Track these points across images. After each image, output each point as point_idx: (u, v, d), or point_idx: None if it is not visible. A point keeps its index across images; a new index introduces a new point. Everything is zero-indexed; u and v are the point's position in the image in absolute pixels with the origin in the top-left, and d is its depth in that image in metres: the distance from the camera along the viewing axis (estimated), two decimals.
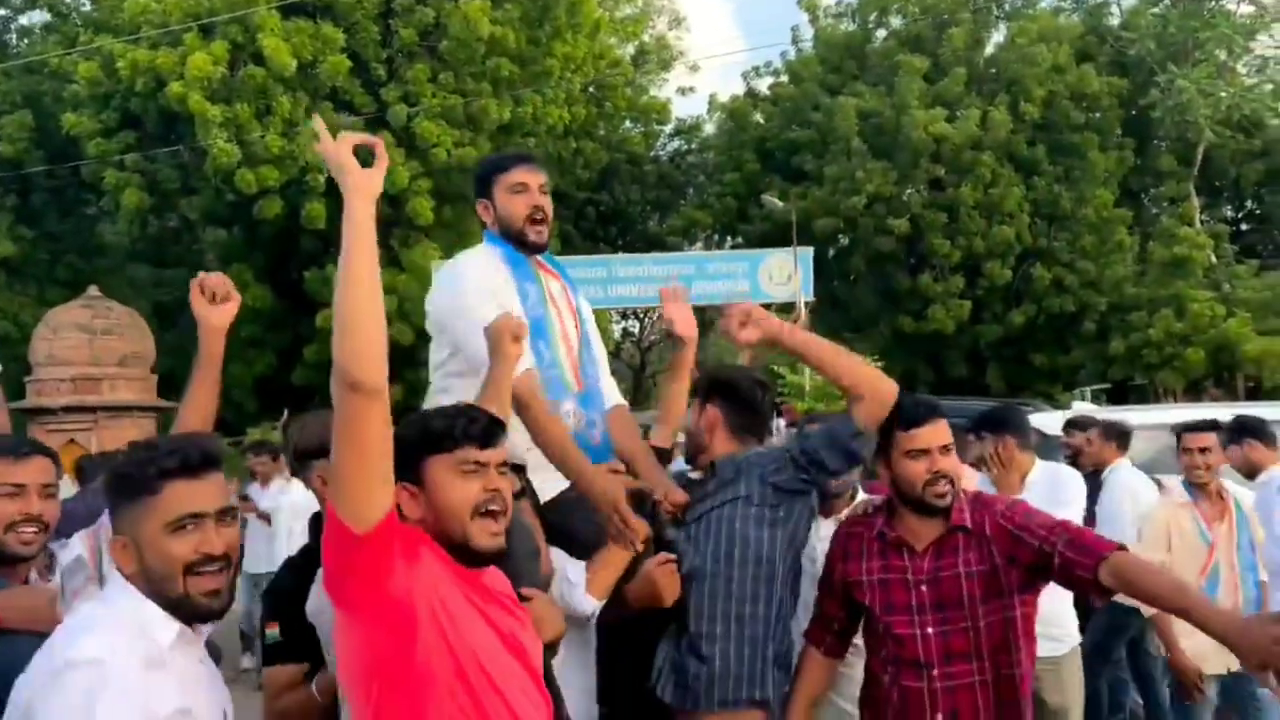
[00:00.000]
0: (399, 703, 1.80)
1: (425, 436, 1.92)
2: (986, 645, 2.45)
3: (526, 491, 2.69)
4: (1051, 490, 3.52)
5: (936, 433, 2.51)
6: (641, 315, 29.78)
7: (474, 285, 2.78)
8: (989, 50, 23.16)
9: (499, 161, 2.98)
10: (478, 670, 1.83)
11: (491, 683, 1.84)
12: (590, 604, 2.68)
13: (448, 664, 1.81)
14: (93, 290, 17.25)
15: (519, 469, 2.71)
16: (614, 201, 26.72)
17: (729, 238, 26.53)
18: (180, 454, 1.77)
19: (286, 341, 19.56)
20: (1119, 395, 20.81)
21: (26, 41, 21.81)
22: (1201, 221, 22.50)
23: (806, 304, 17.43)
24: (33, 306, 18.65)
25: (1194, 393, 20.27)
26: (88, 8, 19.90)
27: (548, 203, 2.90)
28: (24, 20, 22.31)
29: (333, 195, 17.72)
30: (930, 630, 2.49)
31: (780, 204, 19.38)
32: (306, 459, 2.55)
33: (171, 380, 20.37)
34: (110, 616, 1.73)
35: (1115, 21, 23.72)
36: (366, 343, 1.76)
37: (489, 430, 1.96)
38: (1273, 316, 19.59)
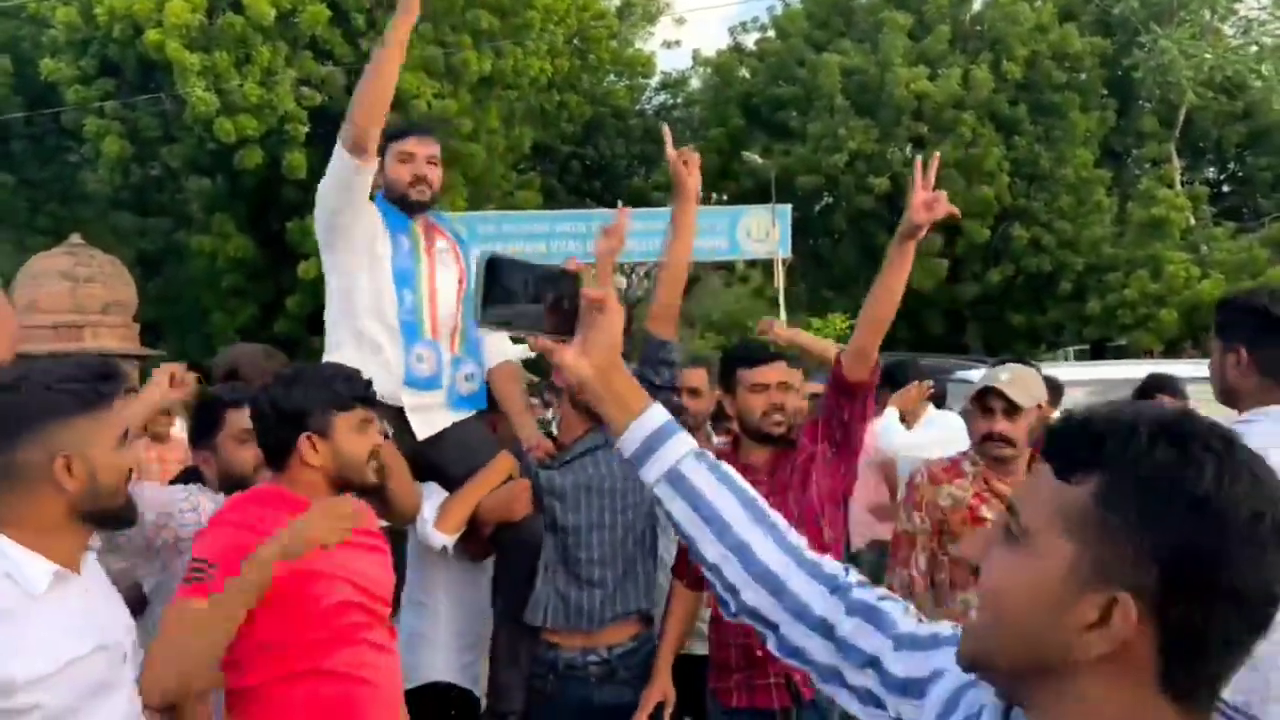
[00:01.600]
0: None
1: (334, 395, 2.24)
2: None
3: (388, 435, 2.89)
4: (940, 430, 3.86)
5: (774, 371, 2.89)
6: (628, 271, 29.86)
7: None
8: (974, 8, 23.07)
9: (394, 130, 3.17)
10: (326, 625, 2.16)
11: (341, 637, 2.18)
12: (439, 538, 3.00)
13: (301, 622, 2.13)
14: (75, 238, 17.30)
15: (397, 410, 3.04)
16: (599, 156, 26.67)
17: (713, 194, 26.55)
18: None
19: (269, 293, 19.62)
20: (1099, 355, 21.06)
21: None
22: (1183, 183, 22.62)
23: (784, 260, 17.56)
24: (13, 254, 18.65)
25: (1172, 353, 20.51)
26: None
27: (434, 172, 3.15)
28: None
29: (313, 145, 17.72)
30: None
31: (760, 161, 19.43)
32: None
33: (155, 328, 20.55)
34: None
35: None
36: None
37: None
38: (1247, 278, 19.78)
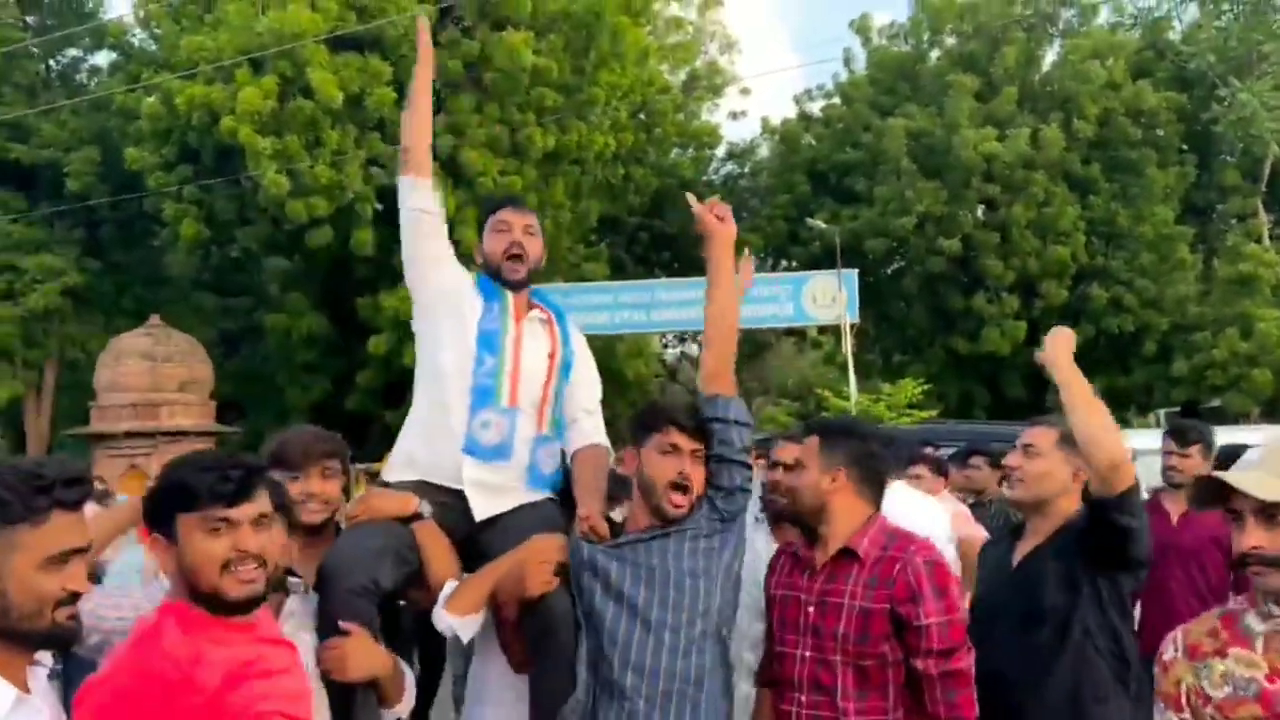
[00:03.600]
0: None
1: (178, 492, 1.86)
2: (854, 685, 2.40)
3: (424, 515, 2.69)
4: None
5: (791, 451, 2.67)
6: (696, 338, 29.78)
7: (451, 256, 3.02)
8: (1043, 69, 22.78)
9: (493, 202, 3.15)
10: None
11: None
12: (445, 620, 2.56)
13: None
14: (154, 319, 17.86)
15: (457, 492, 2.77)
16: (666, 226, 26.78)
17: (781, 260, 26.42)
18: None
19: (341, 368, 19.95)
20: (1190, 418, 20.15)
21: (95, 80, 22.70)
22: (1271, 238, 21.80)
23: (851, 326, 17.24)
24: (100, 335, 19.33)
25: (1272, 415, 19.58)
26: (152, 47, 20.63)
27: (532, 243, 2.99)
28: (93, 60, 23.24)
29: (380, 223, 18.08)
30: (807, 654, 2.46)
31: (824, 226, 19.24)
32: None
33: (232, 405, 21.00)
34: None
35: (1174, 36, 23.14)
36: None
37: (241, 486, 1.87)
38: None
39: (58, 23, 21.96)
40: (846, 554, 2.51)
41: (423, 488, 2.78)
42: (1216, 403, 19.99)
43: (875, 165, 22.15)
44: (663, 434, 2.54)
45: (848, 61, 25.07)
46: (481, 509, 2.79)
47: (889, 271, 23.46)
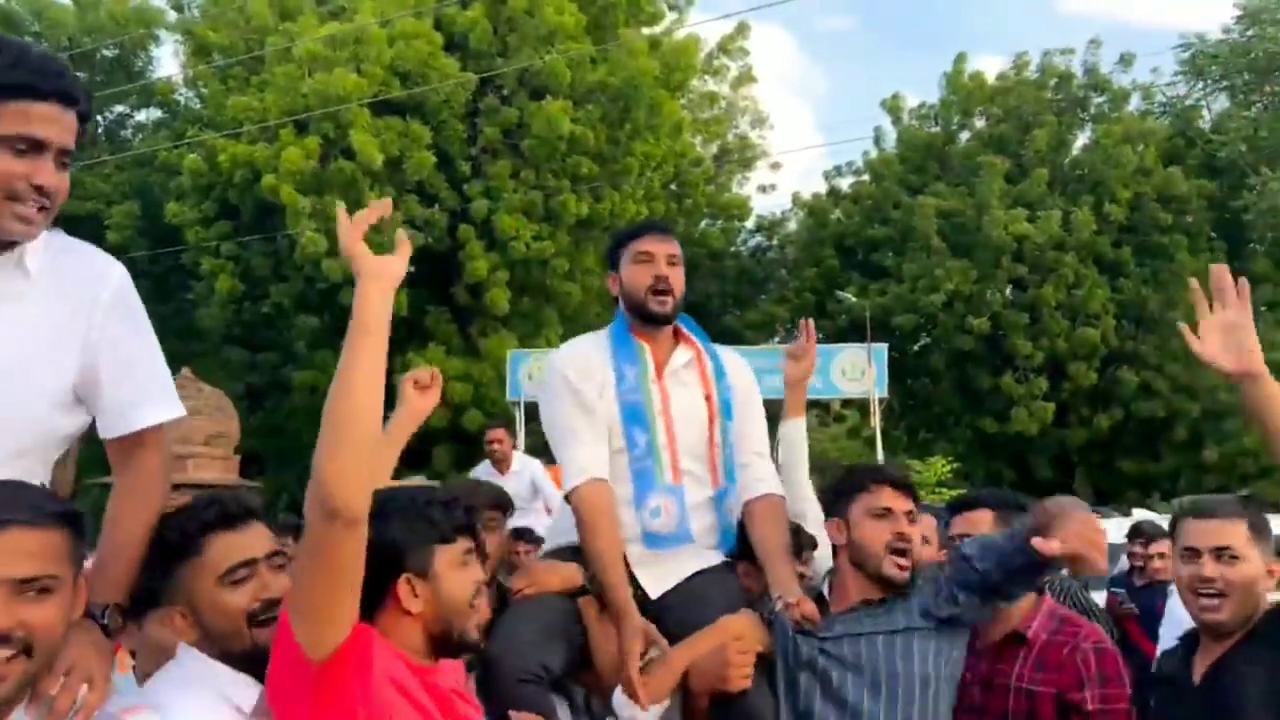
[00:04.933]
0: None
1: (434, 526, 1.81)
2: None
3: (589, 588, 2.52)
4: None
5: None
6: None
7: (558, 385, 2.69)
8: (1073, 152, 22.97)
9: (629, 231, 2.87)
10: None
11: None
12: (628, 710, 2.35)
13: None
14: (185, 372, 18.01)
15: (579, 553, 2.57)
16: (694, 296, 26.94)
17: None
18: (218, 507, 1.79)
19: None
20: None
21: (140, 137, 23.24)
22: None
23: (880, 400, 17.18)
24: None
25: None
26: (197, 106, 21.14)
27: (676, 274, 2.70)
28: (139, 117, 23.82)
29: (414, 285, 18.25)
30: None
31: (853, 299, 19.29)
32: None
33: (257, 459, 21.03)
34: (185, 684, 1.71)
35: (1205, 125, 23.32)
36: (354, 461, 1.58)
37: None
38: None
39: (107, 80, 22.57)
40: (1015, 637, 2.46)
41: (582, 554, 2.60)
42: (1246, 492, 19.70)
43: (904, 242, 22.27)
44: (872, 495, 2.38)
45: (878, 140, 25.36)
46: (654, 587, 2.58)
47: (916, 348, 23.41)
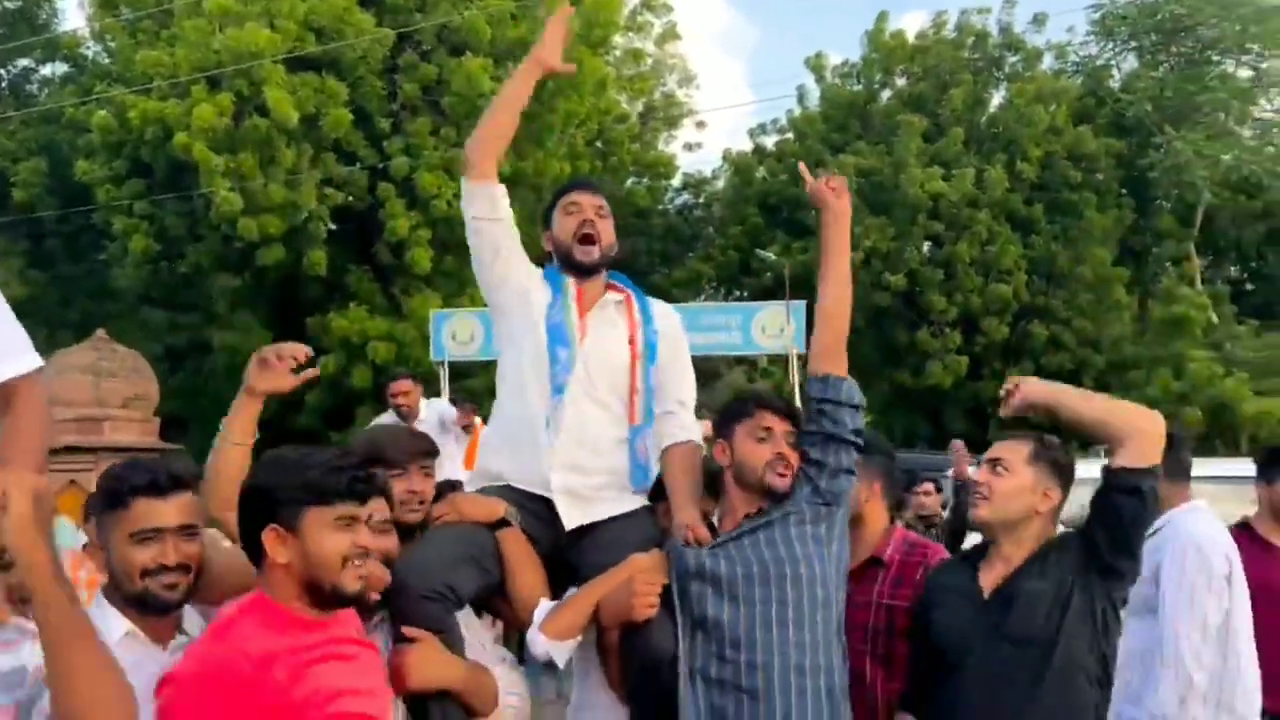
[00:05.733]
0: None
1: (313, 486, 1.91)
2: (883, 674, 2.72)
3: (511, 522, 2.57)
4: None
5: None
6: None
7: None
8: (989, 111, 23.43)
9: (560, 188, 3.03)
10: None
11: None
12: (541, 644, 2.42)
13: None
14: (100, 333, 17.62)
15: (542, 500, 2.65)
16: (620, 253, 26.96)
17: (733, 290, 26.75)
18: (150, 475, 2.03)
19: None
20: None
21: (46, 92, 22.48)
22: (1204, 281, 22.53)
23: (799, 356, 17.51)
24: (44, 349, 18.92)
25: (1205, 451, 20.19)
26: (105, 61, 20.49)
27: (604, 226, 2.83)
28: (45, 71, 23.02)
29: (334, 243, 18.07)
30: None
31: (773, 258, 19.58)
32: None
33: (177, 422, 20.72)
34: None
35: (1115, 84, 23.94)
36: None
37: (371, 484, 2.04)
38: (1273, 376, 19.53)
39: (9, 33, 21.74)
40: (874, 561, 2.75)
41: (508, 493, 2.67)
42: None
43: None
44: (754, 419, 2.53)
45: (802, 98, 25.57)
46: (572, 518, 2.65)
47: None
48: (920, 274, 21.48)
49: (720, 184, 28.53)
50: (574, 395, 2.69)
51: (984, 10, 23.60)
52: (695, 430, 2.82)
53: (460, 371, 17.75)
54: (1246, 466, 5.62)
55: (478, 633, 2.53)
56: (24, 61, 22.80)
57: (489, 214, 2.86)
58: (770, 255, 20.92)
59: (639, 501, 2.76)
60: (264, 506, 1.91)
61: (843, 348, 2.59)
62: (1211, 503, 6.00)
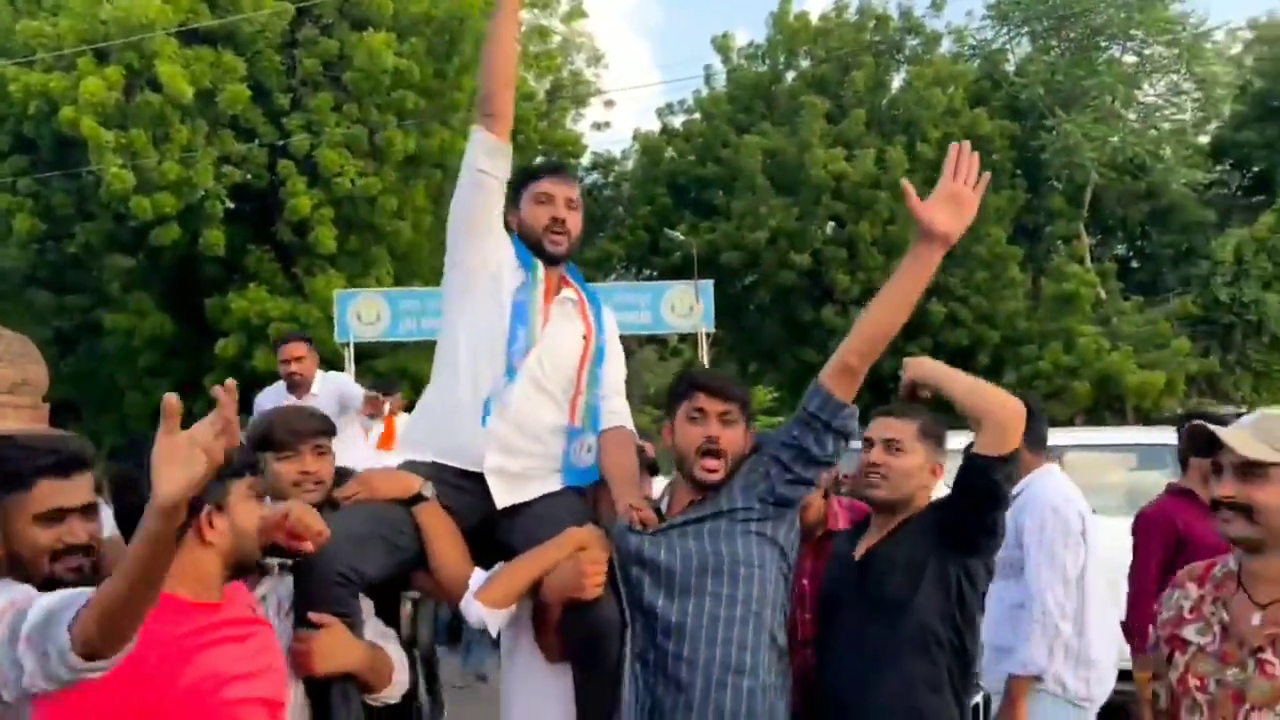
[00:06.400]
0: None
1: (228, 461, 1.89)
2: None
3: (427, 496, 2.56)
4: None
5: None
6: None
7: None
8: (891, 93, 23.94)
9: (531, 170, 2.93)
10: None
11: None
12: (476, 611, 2.43)
13: None
14: None
15: (471, 476, 2.64)
16: None
17: (642, 269, 26.87)
18: (54, 455, 1.99)
19: (187, 371, 19.24)
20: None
21: None
22: (1093, 259, 23.45)
23: (707, 335, 17.73)
24: None
25: (1095, 422, 21.06)
26: None
27: (574, 218, 2.83)
28: None
29: (230, 222, 17.58)
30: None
31: (681, 238, 19.74)
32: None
33: (69, 407, 19.99)
34: None
35: (1010, 68, 24.68)
36: None
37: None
38: (1154, 349, 20.48)
39: None
40: (827, 535, 2.90)
41: (436, 469, 2.66)
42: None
43: (733, 180, 22.83)
44: (689, 400, 2.53)
45: (709, 79, 25.75)
46: (503, 497, 2.66)
47: (744, 284, 24.17)
48: (824, 253, 21.90)
49: (630, 164, 28.57)
50: (523, 379, 2.69)
51: None
52: (627, 417, 2.87)
53: (365, 353, 17.50)
54: (1130, 434, 5.98)
55: (366, 609, 2.52)
56: None
57: (500, 173, 2.77)
58: (679, 235, 21.13)
59: (562, 482, 2.78)
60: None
61: (861, 373, 2.50)
62: (1099, 469, 6.34)
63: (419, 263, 20.28)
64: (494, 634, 2.47)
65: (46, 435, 2.23)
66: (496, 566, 2.53)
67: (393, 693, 2.45)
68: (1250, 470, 1.93)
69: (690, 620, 2.38)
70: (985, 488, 2.47)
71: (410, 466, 2.68)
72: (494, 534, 2.65)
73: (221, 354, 17.49)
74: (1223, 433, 1.99)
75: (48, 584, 1.95)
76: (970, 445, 2.53)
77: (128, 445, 2.20)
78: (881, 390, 23.24)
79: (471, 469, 2.66)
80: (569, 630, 2.46)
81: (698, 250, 20.66)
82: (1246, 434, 1.97)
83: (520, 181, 2.88)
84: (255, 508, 2.00)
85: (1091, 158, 21.63)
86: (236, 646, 1.93)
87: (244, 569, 2.01)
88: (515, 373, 2.67)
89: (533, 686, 2.60)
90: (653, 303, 18.51)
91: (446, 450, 2.70)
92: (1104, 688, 3.74)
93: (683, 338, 23.69)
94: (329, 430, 2.67)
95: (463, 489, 2.65)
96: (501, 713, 2.68)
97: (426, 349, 18.64)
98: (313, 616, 2.27)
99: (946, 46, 24.85)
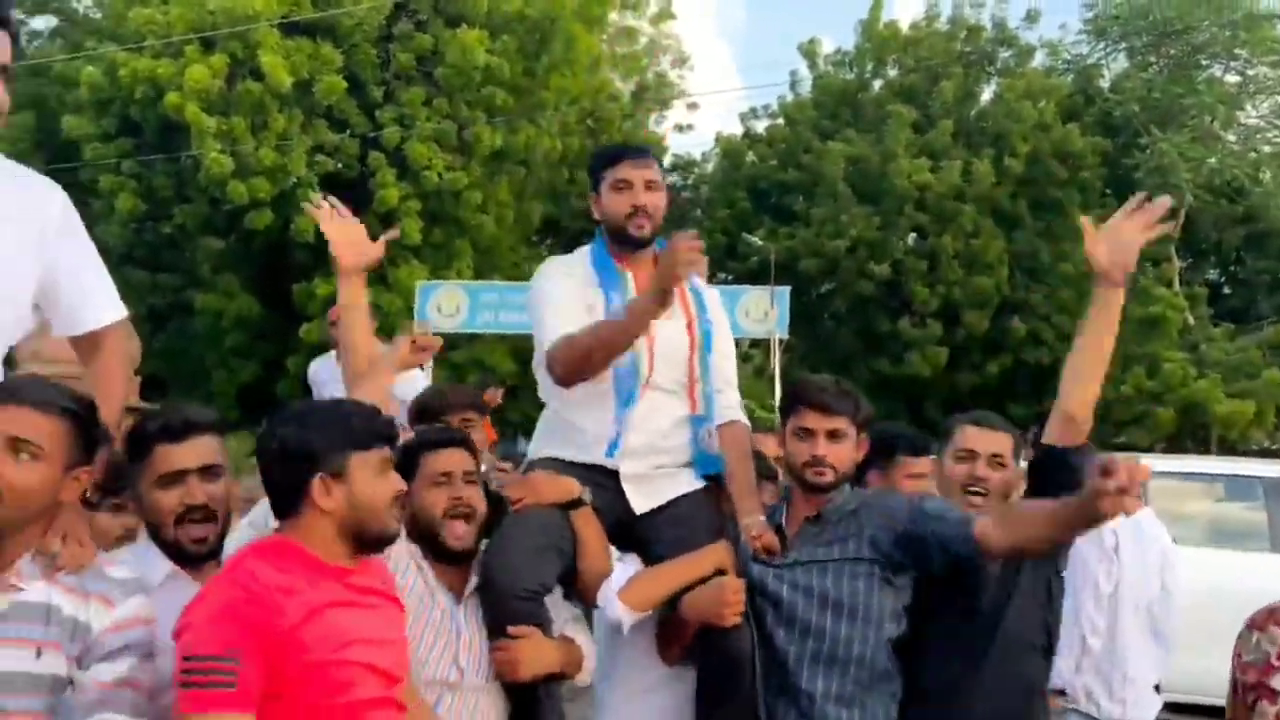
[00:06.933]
0: None
1: (352, 433, 2.01)
2: None
3: (586, 502, 2.61)
4: None
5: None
6: None
7: (548, 286, 2.79)
8: (979, 105, 23.58)
9: (608, 155, 2.90)
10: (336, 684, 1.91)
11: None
12: (616, 609, 2.48)
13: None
14: None
15: (609, 472, 2.67)
16: None
17: (718, 273, 26.85)
18: (162, 421, 2.14)
19: (272, 352, 19.80)
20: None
21: (34, 45, 22.24)
22: (1182, 283, 22.80)
23: (780, 341, 17.69)
24: None
25: (1175, 449, 20.49)
26: (96, 15, 20.32)
27: (655, 199, 2.77)
28: (34, 24, 22.76)
29: None
30: None
31: (759, 243, 19.70)
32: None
33: (157, 382, 20.68)
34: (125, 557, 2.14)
35: (1104, 84, 24.13)
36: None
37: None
38: (1243, 378, 19.86)
39: None
40: None
41: (573, 468, 2.69)
42: (1122, 439, 20.86)
43: (814, 187, 22.71)
44: (797, 416, 2.57)
45: (794, 84, 25.64)
46: (640, 503, 2.70)
47: (821, 291, 24.02)
48: (904, 264, 21.67)
49: (710, 167, 28.56)
50: (643, 390, 2.70)
51: (978, 4, 23.75)
52: (740, 410, 2.87)
53: (446, 344, 17.81)
54: (1219, 465, 5.85)
55: (553, 595, 2.62)
56: (13, 13, 22.55)
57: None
58: (756, 240, 21.08)
59: (699, 482, 2.79)
60: (306, 458, 1.97)
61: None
62: (1183, 498, 6.22)
63: (499, 257, 20.60)
64: (625, 632, 2.53)
65: (167, 406, 2.42)
66: (628, 560, 2.62)
67: (584, 677, 2.58)
68: None
69: (808, 660, 2.46)
70: (1068, 477, 2.47)
71: (549, 464, 2.73)
72: (631, 531, 2.70)
73: (306, 338, 17.95)
74: None
75: (176, 551, 2.13)
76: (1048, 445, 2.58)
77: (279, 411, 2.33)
78: (958, 407, 22.97)
79: (606, 465, 2.69)
80: (703, 654, 2.52)
81: (775, 256, 20.59)
82: None
83: (598, 167, 2.86)
84: (380, 482, 2.01)
85: (1187, 179, 21.01)
86: (364, 612, 2.00)
87: (374, 542, 2.04)
88: (633, 396, 2.68)
89: (636, 694, 2.67)
90: (727, 307, 18.45)
91: (580, 455, 2.72)
92: (1143, 711, 3.66)
93: (754, 343, 23.64)
94: (476, 404, 2.98)
95: (601, 485, 2.67)
96: (596, 716, 2.78)
97: (504, 342, 18.98)
98: (512, 631, 2.40)
99: (1039, 60, 24.37)
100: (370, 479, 2.00)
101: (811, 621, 2.47)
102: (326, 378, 4.91)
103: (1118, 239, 2.54)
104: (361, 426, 2.03)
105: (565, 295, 2.74)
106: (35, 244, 2.16)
